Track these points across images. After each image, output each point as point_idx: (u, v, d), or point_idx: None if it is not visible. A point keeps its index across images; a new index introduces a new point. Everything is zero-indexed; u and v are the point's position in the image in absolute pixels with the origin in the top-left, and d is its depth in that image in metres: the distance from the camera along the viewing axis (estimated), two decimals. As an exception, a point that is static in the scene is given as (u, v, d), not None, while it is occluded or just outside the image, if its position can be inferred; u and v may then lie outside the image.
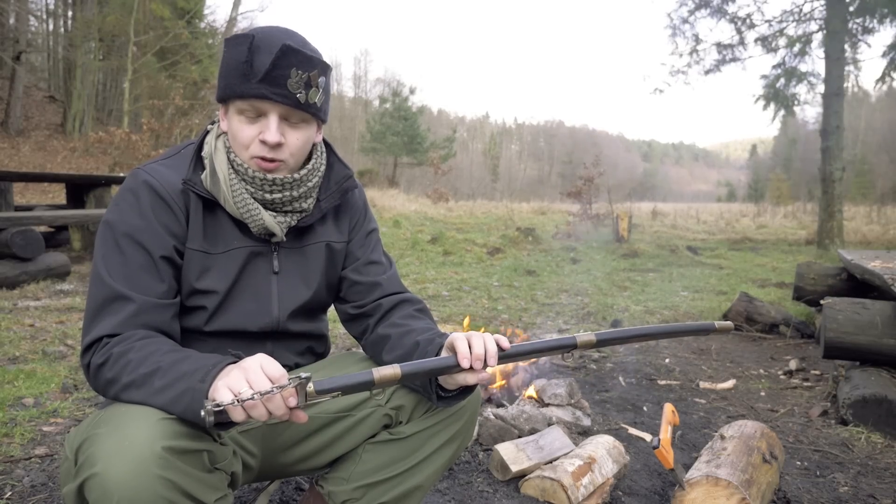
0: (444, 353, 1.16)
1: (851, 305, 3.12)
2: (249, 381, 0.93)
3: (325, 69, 1.22)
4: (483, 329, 3.24)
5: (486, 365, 1.10)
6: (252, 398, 0.90)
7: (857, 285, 4.39)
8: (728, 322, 1.37)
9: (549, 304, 5.66)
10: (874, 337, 2.96)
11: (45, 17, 23.28)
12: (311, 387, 0.94)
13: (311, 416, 1.30)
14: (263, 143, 1.19)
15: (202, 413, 0.89)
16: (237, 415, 0.91)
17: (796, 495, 2.05)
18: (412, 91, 35.36)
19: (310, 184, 1.29)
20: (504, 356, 1.12)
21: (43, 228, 6.71)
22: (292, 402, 0.94)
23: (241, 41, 1.17)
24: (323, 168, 1.35)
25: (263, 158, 1.21)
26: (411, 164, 34.94)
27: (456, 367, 1.08)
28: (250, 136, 1.20)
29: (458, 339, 1.10)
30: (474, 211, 17.85)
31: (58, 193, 13.10)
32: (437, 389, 1.23)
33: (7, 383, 2.76)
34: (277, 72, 1.14)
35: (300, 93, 1.17)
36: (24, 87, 19.43)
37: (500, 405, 2.61)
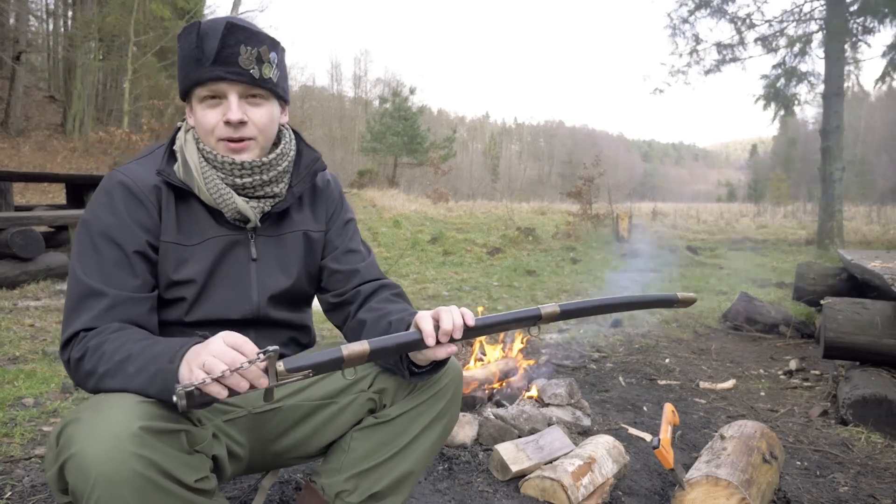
0: (412, 330, 1.20)
1: (851, 305, 3.12)
2: (218, 359, 0.94)
3: (274, 45, 1.26)
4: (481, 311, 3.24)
5: (452, 339, 1.13)
6: (223, 375, 0.91)
7: (857, 285, 4.39)
8: (691, 294, 1.39)
9: (549, 304, 5.65)
10: (874, 337, 2.96)
11: (45, 17, 23.28)
12: (280, 365, 0.95)
13: (295, 405, 1.33)
14: (227, 123, 1.23)
15: (174, 398, 0.90)
16: (214, 390, 0.92)
17: (796, 495, 2.05)
18: (412, 91, 35.23)
19: (279, 167, 1.32)
20: (470, 331, 1.16)
21: (43, 228, 6.70)
22: (263, 383, 0.95)
23: (189, 31, 1.22)
24: (293, 153, 1.38)
25: (230, 139, 1.24)
26: (411, 165, 34.85)
27: (422, 343, 1.12)
28: (214, 120, 1.24)
29: (423, 317, 1.13)
30: (474, 211, 17.80)
31: (58, 193, 13.07)
32: (409, 366, 1.26)
33: (7, 383, 2.76)
34: (227, 50, 1.19)
35: (253, 68, 1.21)
36: (24, 87, 19.41)
37: (500, 405, 2.61)
